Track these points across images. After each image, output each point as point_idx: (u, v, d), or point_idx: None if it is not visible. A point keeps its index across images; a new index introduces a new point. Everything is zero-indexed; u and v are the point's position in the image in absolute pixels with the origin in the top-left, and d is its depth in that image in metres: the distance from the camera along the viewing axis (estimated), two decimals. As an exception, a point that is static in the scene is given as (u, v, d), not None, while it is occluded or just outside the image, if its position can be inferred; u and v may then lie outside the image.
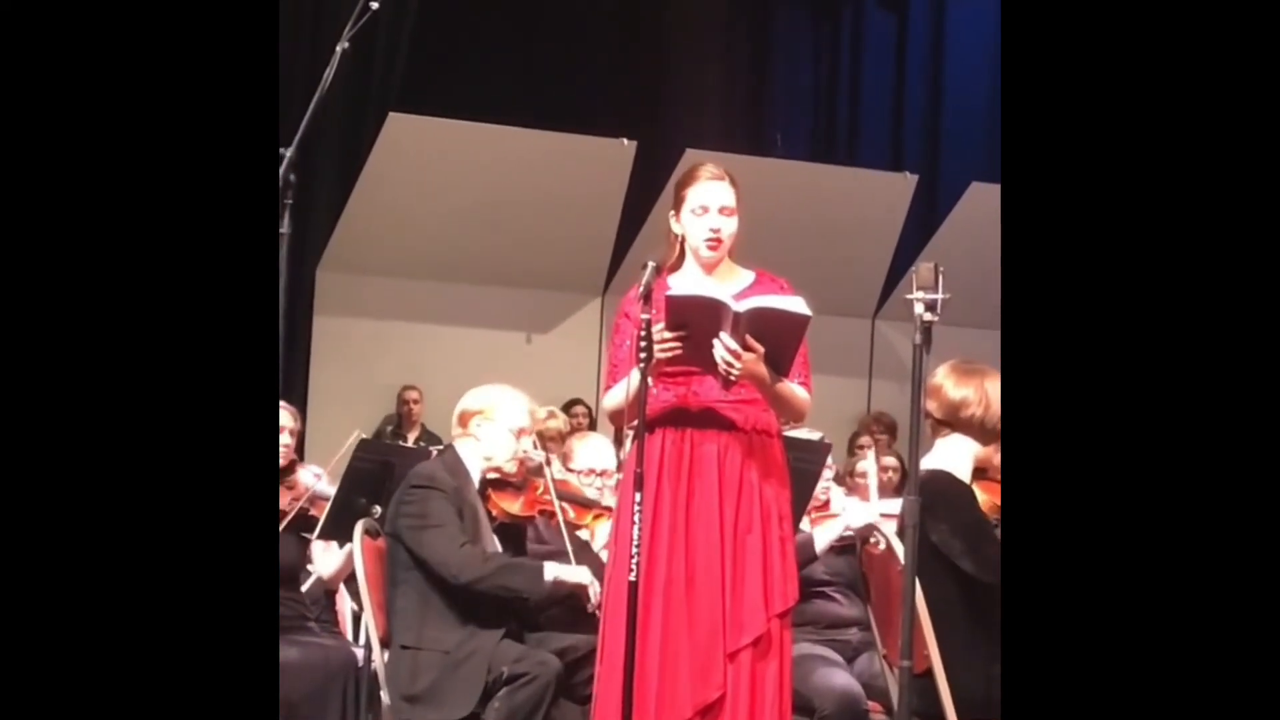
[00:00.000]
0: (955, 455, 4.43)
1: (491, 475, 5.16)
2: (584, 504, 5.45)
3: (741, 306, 4.08)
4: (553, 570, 4.95)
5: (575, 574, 4.97)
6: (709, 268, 4.31)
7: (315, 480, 5.69)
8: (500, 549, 5.12)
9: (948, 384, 4.41)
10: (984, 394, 4.38)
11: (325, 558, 5.67)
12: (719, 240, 4.28)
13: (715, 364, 4.10)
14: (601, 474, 5.65)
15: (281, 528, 5.42)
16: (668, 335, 4.06)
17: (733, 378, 4.12)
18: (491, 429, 5.15)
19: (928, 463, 4.43)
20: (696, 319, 4.07)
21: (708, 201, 4.28)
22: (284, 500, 5.60)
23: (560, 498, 5.32)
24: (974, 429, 4.41)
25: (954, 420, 4.42)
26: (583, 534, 5.45)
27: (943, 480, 4.36)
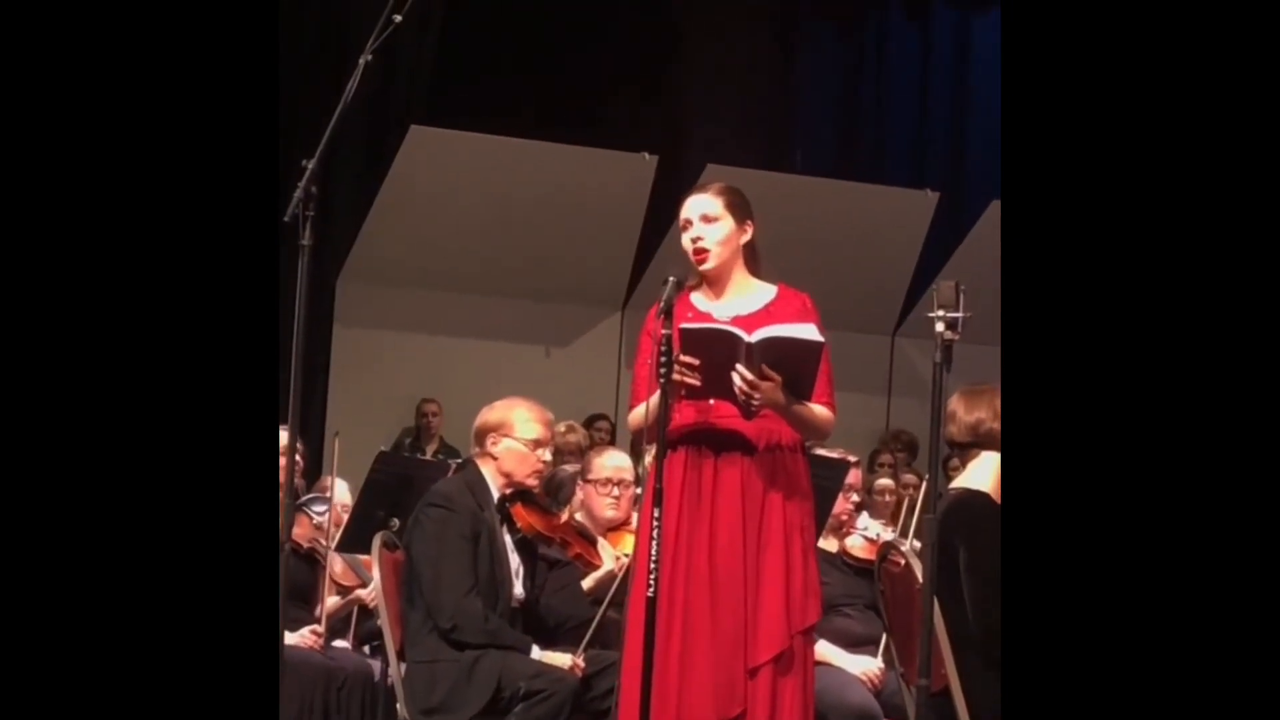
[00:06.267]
0: (986, 472, 4.43)
1: (513, 490, 5.16)
2: (593, 543, 5.47)
3: (754, 337, 4.08)
4: (538, 654, 4.94)
5: (558, 659, 4.96)
6: (715, 282, 4.31)
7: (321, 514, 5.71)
8: (519, 561, 5.12)
9: (960, 410, 4.47)
10: (995, 409, 4.41)
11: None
12: (704, 250, 4.27)
13: (734, 394, 4.11)
14: (619, 484, 5.65)
15: (334, 547, 5.47)
16: (686, 359, 4.06)
17: (753, 407, 4.12)
18: (509, 444, 5.14)
19: (960, 483, 4.45)
20: (711, 350, 4.08)
21: (689, 214, 4.31)
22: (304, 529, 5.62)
23: (580, 534, 5.40)
24: (996, 441, 4.43)
25: (976, 438, 4.44)
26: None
27: (972, 500, 4.37)
